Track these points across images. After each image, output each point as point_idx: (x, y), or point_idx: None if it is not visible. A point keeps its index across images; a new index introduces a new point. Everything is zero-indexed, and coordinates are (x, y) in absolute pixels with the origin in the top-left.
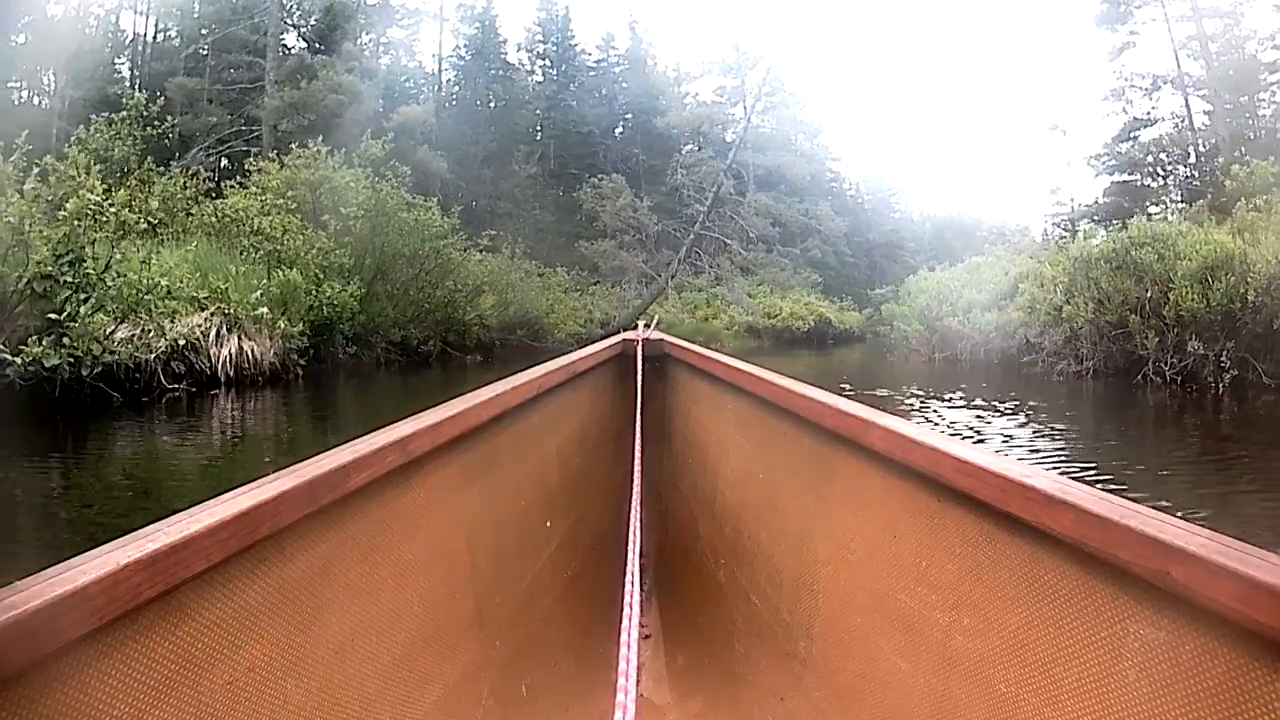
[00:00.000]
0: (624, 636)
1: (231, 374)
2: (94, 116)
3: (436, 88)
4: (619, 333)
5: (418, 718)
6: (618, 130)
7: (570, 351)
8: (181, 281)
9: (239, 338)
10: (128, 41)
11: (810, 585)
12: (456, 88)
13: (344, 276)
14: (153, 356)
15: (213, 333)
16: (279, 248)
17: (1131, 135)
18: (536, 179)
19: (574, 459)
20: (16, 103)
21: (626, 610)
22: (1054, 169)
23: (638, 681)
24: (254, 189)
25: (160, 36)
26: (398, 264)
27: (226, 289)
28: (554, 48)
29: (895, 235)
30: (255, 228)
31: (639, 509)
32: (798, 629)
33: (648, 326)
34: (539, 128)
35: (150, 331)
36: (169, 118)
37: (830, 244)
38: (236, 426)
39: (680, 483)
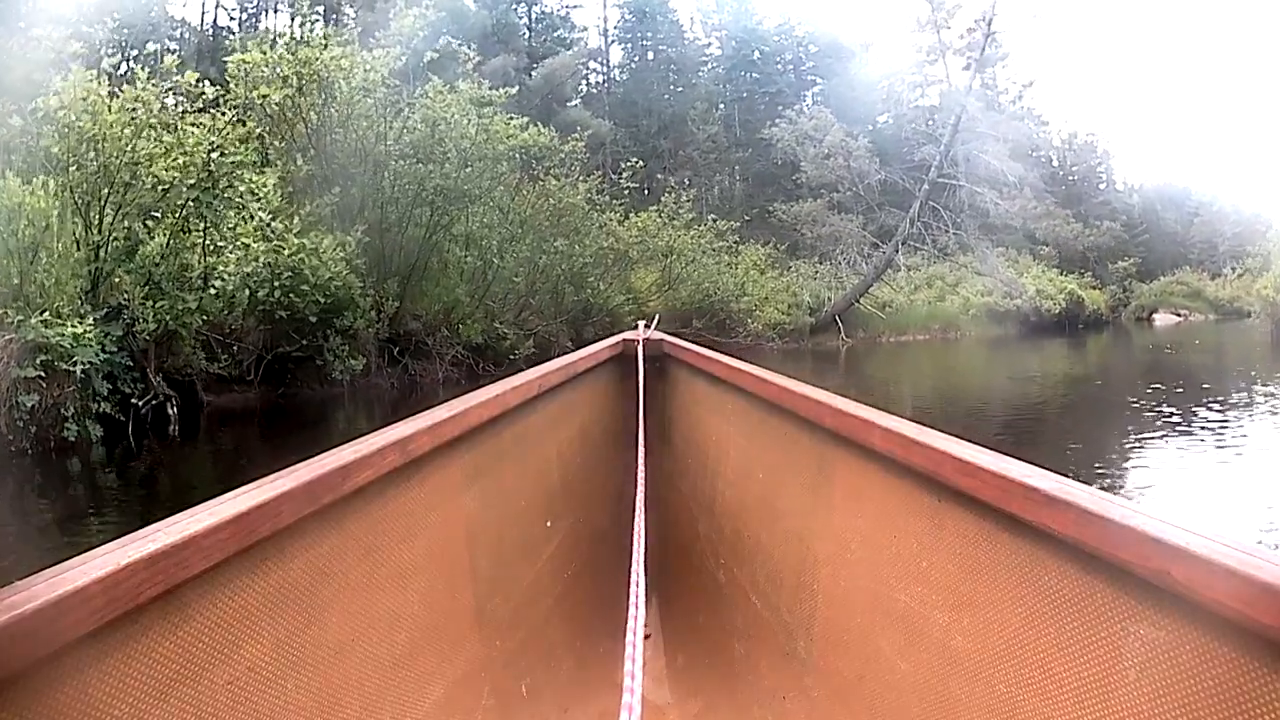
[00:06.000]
0: (629, 636)
1: None
2: None
3: (605, 62)
4: (834, 320)
5: (418, 717)
6: (807, 100)
7: (770, 353)
8: None
9: None
10: None
11: (810, 585)
12: (623, 58)
13: (336, 222)
14: None
15: None
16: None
17: None
18: (717, 140)
19: (574, 459)
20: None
21: (631, 610)
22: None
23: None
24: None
25: None
26: (479, 217)
27: None
28: (729, 16)
29: (1105, 207)
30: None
31: (642, 508)
32: (798, 629)
33: (648, 326)
34: (719, 104)
35: None
36: None
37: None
38: None
39: (680, 482)
